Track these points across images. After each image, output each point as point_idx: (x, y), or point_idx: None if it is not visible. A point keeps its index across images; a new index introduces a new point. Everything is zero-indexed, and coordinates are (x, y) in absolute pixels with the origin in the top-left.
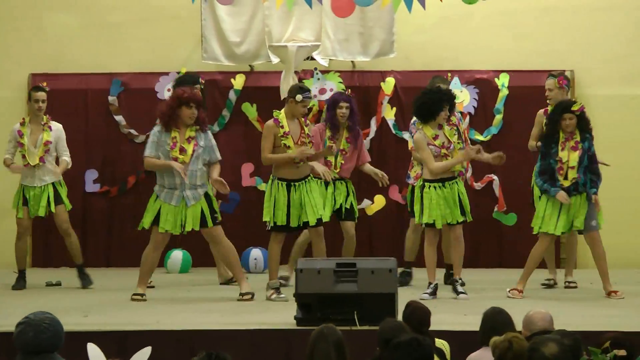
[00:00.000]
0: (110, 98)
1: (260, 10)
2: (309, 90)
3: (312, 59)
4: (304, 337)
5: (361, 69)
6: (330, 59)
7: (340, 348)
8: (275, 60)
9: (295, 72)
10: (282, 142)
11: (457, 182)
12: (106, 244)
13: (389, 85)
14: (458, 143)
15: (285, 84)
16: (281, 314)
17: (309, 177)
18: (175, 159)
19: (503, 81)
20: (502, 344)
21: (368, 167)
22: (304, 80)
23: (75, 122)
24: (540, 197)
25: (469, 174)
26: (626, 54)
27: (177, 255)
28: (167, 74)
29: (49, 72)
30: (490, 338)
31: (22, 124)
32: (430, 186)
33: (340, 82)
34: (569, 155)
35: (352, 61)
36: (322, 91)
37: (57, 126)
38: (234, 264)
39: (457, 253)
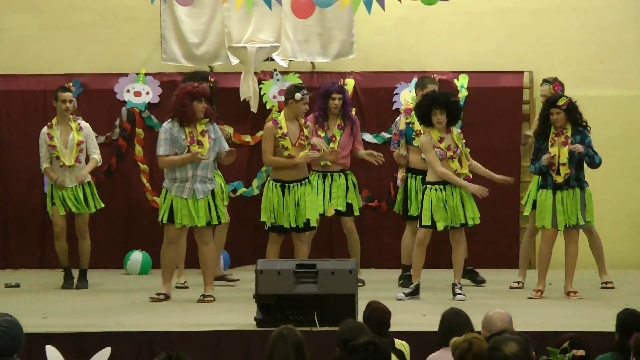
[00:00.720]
0: None
1: (220, 11)
2: (305, 88)
3: (272, 60)
4: (263, 338)
5: (321, 70)
6: (289, 60)
7: (300, 349)
8: (234, 61)
9: (255, 73)
10: (281, 143)
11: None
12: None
13: (348, 86)
14: (464, 147)
15: (245, 85)
16: (241, 315)
17: (306, 180)
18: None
19: (462, 82)
20: (462, 344)
21: (361, 152)
22: (263, 82)
23: (34, 123)
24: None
25: None
26: (584, 55)
27: (137, 257)
28: (126, 75)
29: (8, 73)
30: (449, 339)
31: (50, 126)
32: (431, 188)
33: (300, 83)
34: (559, 151)
35: (311, 62)
36: (282, 92)
37: (85, 125)
38: (210, 268)
39: (456, 256)
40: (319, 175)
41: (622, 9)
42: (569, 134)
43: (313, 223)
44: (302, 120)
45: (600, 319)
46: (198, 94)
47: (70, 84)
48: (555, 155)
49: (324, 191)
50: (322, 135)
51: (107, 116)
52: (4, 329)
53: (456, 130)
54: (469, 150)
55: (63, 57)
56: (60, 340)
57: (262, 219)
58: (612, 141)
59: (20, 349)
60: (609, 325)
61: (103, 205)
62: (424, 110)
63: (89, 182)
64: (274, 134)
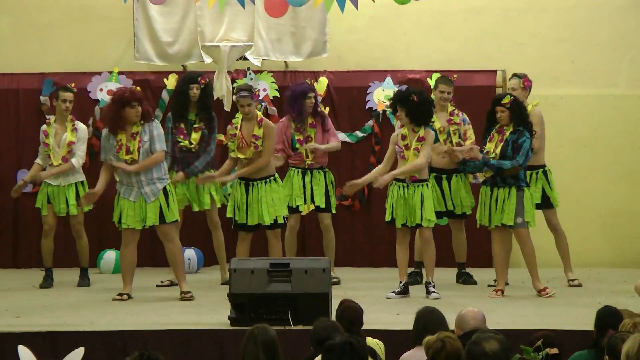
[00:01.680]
0: (42, 98)
1: (193, 10)
2: (245, 89)
3: (245, 59)
4: (237, 337)
5: (294, 69)
6: (263, 59)
7: (271, 348)
8: (207, 60)
9: (228, 72)
10: (229, 142)
11: (422, 186)
12: (38, 245)
13: (321, 85)
14: (416, 150)
15: (218, 84)
16: (215, 314)
17: (271, 178)
18: (125, 161)
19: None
20: (435, 344)
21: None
22: (237, 81)
23: (6, 122)
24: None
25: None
26: (555, 54)
27: (111, 256)
28: (99, 73)
29: None
30: (423, 337)
31: (48, 124)
32: (394, 184)
33: (274, 82)
34: (494, 147)
35: (284, 61)
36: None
37: (81, 127)
38: (179, 264)
39: (426, 255)
40: (298, 172)
41: (594, 8)
42: (510, 131)
43: (280, 220)
44: (258, 118)
45: (572, 317)
46: (128, 100)
47: (72, 84)
48: (489, 151)
49: (304, 187)
50: (299, 137)
51: (80, 115)
52: None
53: (427, 134)
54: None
55: (35, 55)
56: (33, 339)
57: (228, 215)
58: (583, 140)
59: None
60: (581, 323)
61: (90, 207)
62: (393, 106)
63: (82, 182)
64: (229, 131)
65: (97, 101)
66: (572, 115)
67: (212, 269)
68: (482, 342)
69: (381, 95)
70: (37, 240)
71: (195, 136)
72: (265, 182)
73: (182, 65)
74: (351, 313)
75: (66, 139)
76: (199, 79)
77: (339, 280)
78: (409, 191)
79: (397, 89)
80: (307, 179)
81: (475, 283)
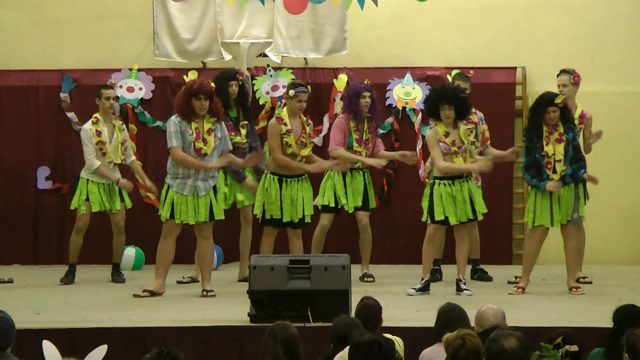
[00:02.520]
0: (62, 95)
1: (212, 6)
2: (302, 85)
3: (265, 55)
4: (257, 334)
5: (313, 66)
6: (282, 56)
7: (291, 346)
8: (227, 57)
9: (248, 69)
10: (284, 139)
11: (467, 180)
12: (58, 241)
13: (341, 82)
14: (471, 144)
15: None
16: (235, 311)
17: (303, 176)
18: (199, 150)
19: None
20: (455, 341)
21: (383, 154)
22: (256, 77)
23: (26, 119)
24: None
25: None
26: (575, 51)
27: (130, 252)
28: (119, 70)
29: (0, 68)
30: (444, 334)
31: (95, 122)
32: (440, 183)
33: (293, 79)
34: (554, 149)
35: (304, 58)
36: (275, 88)
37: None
38: (209, 262)
39: (460, 252)
40: (339, 172)
41: (614, 5)
42: (562, 131)
43: (308, 220)
44: (304, 118)
45: (592, 314)
46: (195, 91)
47: (113, 81)
48: (552, 154)
49: (345, 187)
50: (357, 137)
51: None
52: None
53: (464, 126)
54: (474, 148)
55: (55, 52)
56: (52, 335)
57: (256, 211)
58: (604, 137)
59: (9, 345)
60: (601, 320)
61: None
62: (432, 104)
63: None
64: (279, 130)
65: (116, 98)
66: (592, 112)
67: (232, 266)
68: (501, 339)
69: (400, 92)
70: (56, 237)
71: (244, 132)
72: (298, 180)
73: (202, 62)
74: (370, 310)
75: (118, 138)
76: (237, 75)
77: (374, 278)
78: (456, 187)
79: (439, 87)
80: (348, 179)
81: (490, 279)
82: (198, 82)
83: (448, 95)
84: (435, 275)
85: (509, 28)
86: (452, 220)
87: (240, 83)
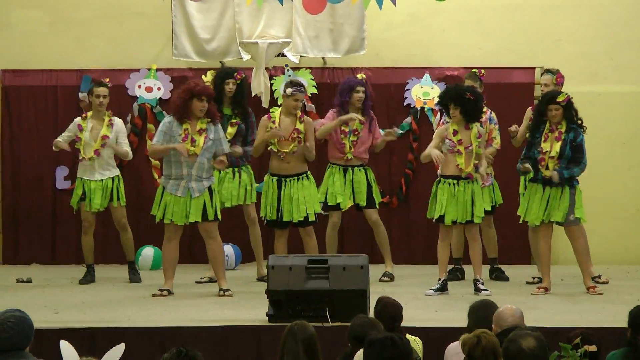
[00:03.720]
0: (80, 94)
1: (231, 6)
2: (299, 84)
3: (283, 55)
4: (275, 333)
5: (332, 66)
6: (300, 56)
7: (311, 346)
8: (245, 57)
9: (266, 69)
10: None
11: (472, 182)
12: (76, 241)
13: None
14: (478, 147)
15: (256, 80)
16: (253, 311)
17: (303, 175)
18: (187, 151)
19: None
20: (470, 340)
21: (379, 141)
22: (275, 77)
23: (45, 119)
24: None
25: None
26: (592, 51)
27: (148, 252)
28: (137, 70)
29: (18, 68)
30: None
31: (84, 118)
32: (444, 182)
33: (311, 79)
34: (551, 146)
35: (322, 58)
36: None
37: (118, 121)
38: (220, 262)
39: (473, 252)
40: (339, 169)
41: (632, 5)
42: (563, 129)
43: (312, 217)
44: (299, 114)
45: (610, 314)
46: (198, 92)
47: (107, 79)
48: (547, 151)
49: (344, 185)
50: (346, 130)
51: (118, 112)
52: (9, 325)
53: (478, 129)
54: (481, 151)
55: (73, 52)
56: (71, 335)
57: (261, 213)
58: (621, 137)
59: (29, 344)
60: (619, 321)
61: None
62: (441, 102)
63: (118, 177)
64: (265, 126)
65: (135, 98)
66: (609, 112)
67: (250, 265)
68: (519, 340)
69: (419, 92)
70: (75, 237)
71: (231, 130)
72: (298, 179)
73: (220, 62)
74: (390, 310)
75: (101, 133)
76: (235, 74)
77: (392, 277)
78: (459, 187)
79: (447, 87)
80: (349, 176)
81: (507, 279)
82: (200, 84)
83: (451, 95)
84: (457, 275)
85: (528, 28)
86: (447, 220)
87: (238, 82)
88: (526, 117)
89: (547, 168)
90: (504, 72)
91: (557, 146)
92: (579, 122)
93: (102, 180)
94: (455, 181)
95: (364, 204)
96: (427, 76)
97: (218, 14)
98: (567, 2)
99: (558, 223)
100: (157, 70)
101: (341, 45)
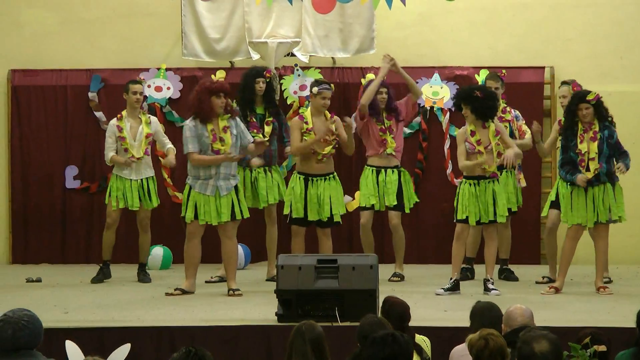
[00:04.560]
0: (90, 94)
1: (240, 6)
2: (326, 83)
3: (293, 55)
4: (284, 333)
5: (341, 65)
6: (310, 55)
7: (319, 345)
8: (255, 56)
9: (276, 69)
10: (304, 137)
11: (493, 181)
12: (86, 241)
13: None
14: (498, 145)
15: None
16: (262, 310)
17: (330, 175)
18: (217, 151)
19: (483, 77)
20: (478, 342)
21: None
22: (284, 77)
23: (54, 118)
24: (563, 193)
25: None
26: (603, 50)
27: (158, 252)
28: (147, 70)
29: (28, 68)
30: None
31: (119, 118)
32: (466, 182)
33: (321, 79)
34: (588, 147)
35: (332, 57)
36: (303, 87)
37: (154, 119)
38: (233, 262)
39: (489, 251)
40: (372, 171)
41: None
42: (597, 129)
43: (337, 219)
44: (328, 114)
45: (620, 314)
46: (216, 90)
47: (142, 77)
48: (585, 152)
49: (377, 186)
50: (381, 126)
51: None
52: (24, 324)
53: (496, 126)
54: (499, 149)
55: (83, 52)
56: (80, 335)
57: (285, 211)
58: (631, 137)
59: (40, 343)
60: (629, 320)
61: (159, 202)
62: (456, 103)
63: (152, 177)
64: (300, 127)
65: (145, 97)
66: (620, 111)
67: (260, 265)
68: (533, 342)
69: (428, 91)
70: (85, 236)
71: (267, 129)
72: (325, 179)
73: (230, 62)
74: (398, 309)
75: (143, 132)
76: (264, 72)
77: (403, 277)
78: (480, 188)
79: (460, 88)
80: (381, 177)
81: (516, 279)
82: (216, 81)
83: (461, 95)
84: (466, 274)
85: (538, 27)
86: (471, 221)
87: (268, 80)
88: (554, 129)
89: (587, 170)
90: (513, 71)
91: (595, 146)
92: (610, 119)
93: (139, 179)
94: (475, 181)
95: (393, 205)
96: (436, 76)
97: (228, 13)
98: (577, 2)
99: (611, 222)
100: (167, 69)
101: (351, 44)
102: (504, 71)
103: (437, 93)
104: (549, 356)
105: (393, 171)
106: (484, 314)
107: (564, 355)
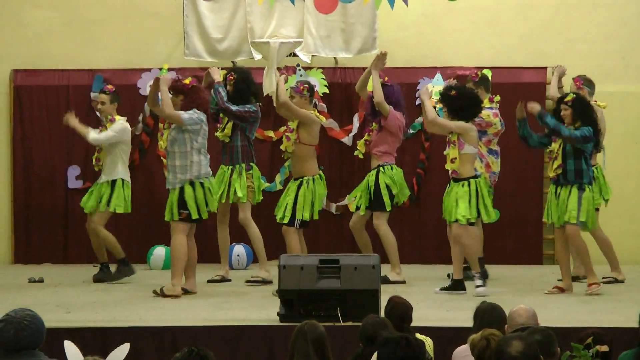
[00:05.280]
0: (92, 94)
1: (242, 6)
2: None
3: (295, 55)
4: (286, 333)
5: (343, 66)
6: (312, 56)
7: (320, 345)
8: (257, 56)
9: (278, 69)
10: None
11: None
12: (88, 240)
13: (371, 82)
14: (454, 145)
15: (268, 80)
16: (264, 310)
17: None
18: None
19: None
20: (480, 342)
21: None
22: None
23: (56, 119)
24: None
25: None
26: (606, 50)
27: (160, 252)
28: (149, 70)
29: (30, 68)
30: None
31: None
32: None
33: (323, 79)
34: (558, 147)
35: (334, 57)
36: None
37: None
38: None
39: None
40: (370, 173)
41: None
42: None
43: (315, 216)
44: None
45: (623, 314)
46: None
47: (110, 86)
48: (554, 150)
49: (367, 188)
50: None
51: (130, 111)
52: (26, 324)
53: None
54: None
55: (85, 52)
56: (82, 334)
57: (287, 213)
58: (634, 137)
59: (42, 343)
60: (631, 321)
61: (122, 211)
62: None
63: (127, 183)
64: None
65: (146, 97)
66: (623, 111)
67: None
68: (506, 348)
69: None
70: (87, 236)
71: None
72: (314, 181)
73: (232, 62)
74: (400, 310)
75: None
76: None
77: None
78: (448, 190)
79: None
80: (369, 179)
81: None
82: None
83: (441, 93)
84: (468, 274)
85: (540, 27)
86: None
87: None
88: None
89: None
90: (515, 71)
91: (556, 145)
92: (595, 123)
93: (100, 183)
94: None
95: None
96: (438, 76)
97: (230, 13)
98: (580, 2)
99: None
100: (169, 69)
101: (353, 44)
102: (480, 72)
103: (438, 93)
104: (527, 351)
105: (372, 172)
106: (487, 315)
107: (566, 355)
